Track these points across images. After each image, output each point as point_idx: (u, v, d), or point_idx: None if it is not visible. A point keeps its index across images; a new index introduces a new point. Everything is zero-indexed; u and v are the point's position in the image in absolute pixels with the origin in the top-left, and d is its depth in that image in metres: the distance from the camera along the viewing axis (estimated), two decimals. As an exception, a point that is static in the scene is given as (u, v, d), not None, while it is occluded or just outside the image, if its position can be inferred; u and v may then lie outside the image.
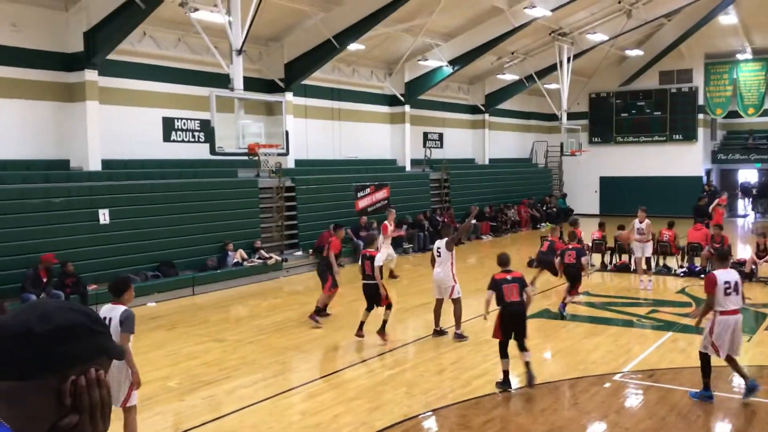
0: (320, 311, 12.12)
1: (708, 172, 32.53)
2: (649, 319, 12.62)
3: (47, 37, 14.81)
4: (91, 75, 15.07)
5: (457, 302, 10.96)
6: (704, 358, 7.94)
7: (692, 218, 21.33)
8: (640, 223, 15.84)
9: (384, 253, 14.73)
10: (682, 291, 15.17)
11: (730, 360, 7.96)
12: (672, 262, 17.65)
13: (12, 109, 14.33)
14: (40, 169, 14.57)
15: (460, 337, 10.87)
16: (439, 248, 11.17)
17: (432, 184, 25.34)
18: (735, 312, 7.86)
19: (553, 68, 27.07)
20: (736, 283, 7.91)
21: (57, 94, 14.99)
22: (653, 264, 17.34)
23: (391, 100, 24.81)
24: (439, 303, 11.13)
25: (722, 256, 8.56)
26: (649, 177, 31.50)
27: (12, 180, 13.62)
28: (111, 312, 6.49)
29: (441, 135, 28.29)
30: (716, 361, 8.00)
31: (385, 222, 17.35)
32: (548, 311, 13.11)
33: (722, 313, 7.80)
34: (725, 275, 7.93)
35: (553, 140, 32.87)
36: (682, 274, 16.81)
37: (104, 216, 14.47)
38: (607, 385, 8.80)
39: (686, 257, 17.45)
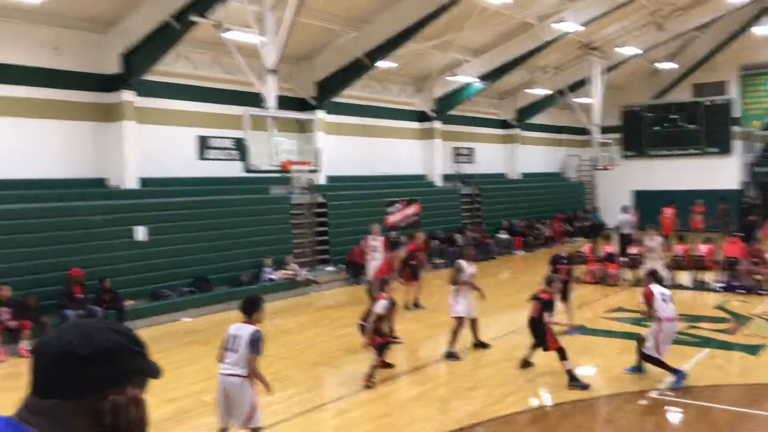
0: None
1: (746, 186, 31.94)
2: (686, 335, 12.41)
3: (86, 60, 15.23)
4: (128, 95, 15.45)
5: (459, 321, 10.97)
6: None
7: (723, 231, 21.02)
8: (652, 240, 15.63)
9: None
10: (720, 306, 14.91)
11: None
12: (709, 277, 17.35)
13: (52, 130, 14.74)
14: (78, 187, 14.93)
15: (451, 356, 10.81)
16: (474, 273, 11.28)
17: (463, 199, 25.31)
18: None
19: (584, 82, 26.93)
20: None
21: (96, 114, 15.38)
22: (689, 279, 17.08)
23: (422, 116, 24.91)
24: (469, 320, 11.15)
25: None
26: (684, 191, 31.03)
27: (51, 198, 13.98)
28: (239, 330, 6.36)
29: (472, 150, 28.27)
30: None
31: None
32: (582, 327, 12.98)
33: None
34: None
35: (585, 154, 32.63)
36: (719, 289, 16.51)
37: (141, 233, 14.75)
38: (643, 402, 8.68)
39: (723, 272, 17.15)
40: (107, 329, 1.46)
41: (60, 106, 14.83)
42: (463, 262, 11.35)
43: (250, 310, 6.43)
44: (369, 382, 9.25)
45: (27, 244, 12.86)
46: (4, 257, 12.07)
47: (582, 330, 12.78)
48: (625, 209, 22.18)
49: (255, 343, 6.23)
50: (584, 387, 8.98)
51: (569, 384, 9.01)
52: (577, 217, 29.98)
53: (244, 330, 6.32)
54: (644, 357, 9.23)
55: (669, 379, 9.14)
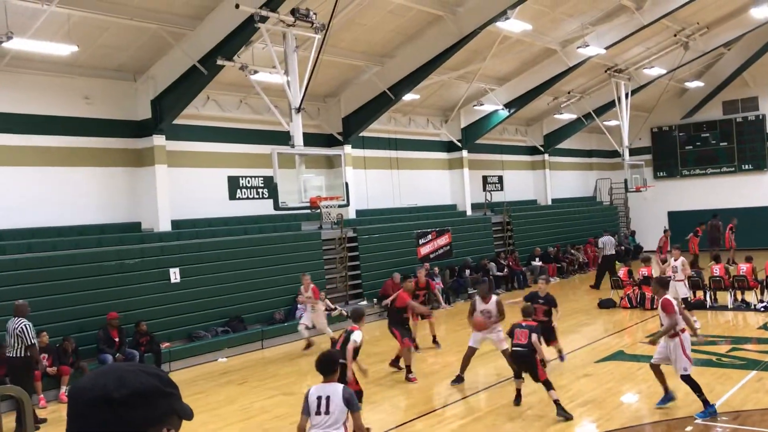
0: (407, 369, 11.75)
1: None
2: (730, 358, 12.06)
3: (117, 107, 15.61)
4: (159, 140, 15.76)
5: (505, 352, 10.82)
6: None
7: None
8: (675, 261, 15.30)
9: (306, 319, 14.40)
10: (764, 326, 14.49)
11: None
12: (751, 297, 16.91)
13: (87, 177, 15.07)
14: (113, 232, 15.18)
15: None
16: (490, 310, 11.06)
17: (494, 227, 25.16)
18: None
19: (611, 105, 26.77)
20: None
21: (128, 160, 15.71)
22: (730, 299, 16.68)
23: (449, 146, 24.96)
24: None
25: None
26: (721, 209, 30.44)
27: (88, 244, 14.23)
28: (323, 391, 6.01)
29: (501, 178, 28.19)
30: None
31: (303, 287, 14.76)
32: (622, 353, 12.71)
33: None
34: None
35: (616, 177, 32.28)
36: (762, 309, 16.05)
37: (175, 275, 14.91)
38: (689, 429, 8.41)
39: (766, 291, 16.70)
40: (140, 372, 1.47)
41: (93, 153, 15.18)
42: (477, 299, 11.22)
43: (330, 369, 6.18)
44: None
45: (64, 290, 13.06)
46: (43, 304, 12.26)
47: (622, 356, 12.51)
48: (606, 230, 23.43)
49: (352, 402, 5.97)
50: (569, 418, 8.83)
51: (557, 414, 8.88)
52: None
53: (329, 390, 5.99)
54: (687, 380, 8.77)
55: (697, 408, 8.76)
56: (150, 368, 1.52)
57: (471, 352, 11.13)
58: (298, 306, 15.81)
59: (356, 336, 8.87)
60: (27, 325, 10.34)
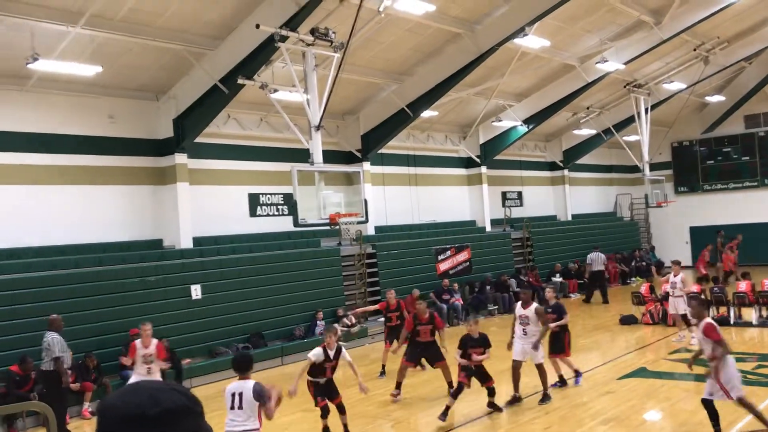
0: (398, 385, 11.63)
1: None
2: (757, 375, 11.88)
3: (140, 126, 15.84)
4: (181, 158, 15.95)
5: (541, 366, 10.73)
6: None
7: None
8: (675, 276, 15.07)
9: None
10: (790, 343, 14.26)
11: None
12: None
13: (110, 195, 15.28)
14: (136, 249, 15.34)
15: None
16: (527, 315, 10.95)
17: (514, 243, 25.06)
18: None
19: (631, 120, 26.65)
20: None
21: (150, 178, 15.91)
22: (754, 316, 16.43)
23: (468, 162, 24.97)
24: (519, 365, 10.84)
25: None
26: (743, 224, 30.08)
27: (111, 261, 14.39)
28: (236, 388, 6.56)
29: (520, 193, 28.12)
30: None
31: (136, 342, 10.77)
32: (645, 370, 12.57)
33: None
34: None
35: (637, 192, 32.07)
36: (788, 326, 15.80)
37: (196, 291, 15.02)
38: (714, 447, 8.29)
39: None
40: (171, 390, 1.50)
41: (116, 171, 15.40)
42: (518, 304, 11.35)
43: (245, 367, 6.75)
44: None
45: (86, 307, 13.21)
46: (66, 320, 12.38)
47: (645, 373, 12.37)
48: (596, 247, 23.64)
49: (260, 393, 6.44)
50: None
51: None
52: (633, 256, 29.30)
53: (244, 386, 6.55)
54: (747, 406, 8.22)
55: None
56: (178, 386, 1.55)
57: (516, 365, 10.76)
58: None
59: (312, 353, 9.24)
60: (54, 339, 10.49)
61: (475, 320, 10.72)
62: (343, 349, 9.29)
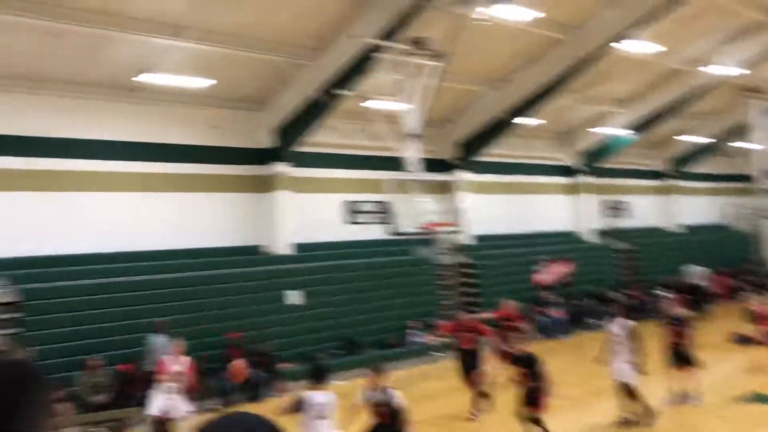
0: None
1: None
2: None
3: (243, 136, 16.35)
4: (282, 167, 16.36)
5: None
6: None
7: None
8: None
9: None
10: None
11: None
12: None
13: (215, 202, 15.84)
14: (238, 255, 15.82)
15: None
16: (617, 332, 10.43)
17: (617, 255, 24.12)
18: None
19: (744, 126, 25.16)
20: None
21: (253, 186, 16.38)
22: None
23: (568, 171, 24.29)
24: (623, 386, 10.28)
25: None
26: None
27: (214, 266, 14.90)
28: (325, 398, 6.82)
29: (623, 203, 27.06)
30: None
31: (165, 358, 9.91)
32: (760, 395, 11.74)
33: None
34: None
35: (750, 203, 30.20)
36: None
37: (295, 297, 15.31)
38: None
39: None
40: (260, 423, 1.51)
41: (222, 179, 15.96)
42: (611, 324, 10.71)
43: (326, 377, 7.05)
44: None
45: (189, 310, 13.72)
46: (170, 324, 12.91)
47: (760, 398, 11.55)
48: (696, 261, 23.07)
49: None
50: None
51: None
52: (746, 270, 27.55)
53: (330, 397, 6.81)
54: None
55: None
56: (265, 418, 1.55)
57: (622, 386, 10.22)
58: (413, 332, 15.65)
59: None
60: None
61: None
62: None
